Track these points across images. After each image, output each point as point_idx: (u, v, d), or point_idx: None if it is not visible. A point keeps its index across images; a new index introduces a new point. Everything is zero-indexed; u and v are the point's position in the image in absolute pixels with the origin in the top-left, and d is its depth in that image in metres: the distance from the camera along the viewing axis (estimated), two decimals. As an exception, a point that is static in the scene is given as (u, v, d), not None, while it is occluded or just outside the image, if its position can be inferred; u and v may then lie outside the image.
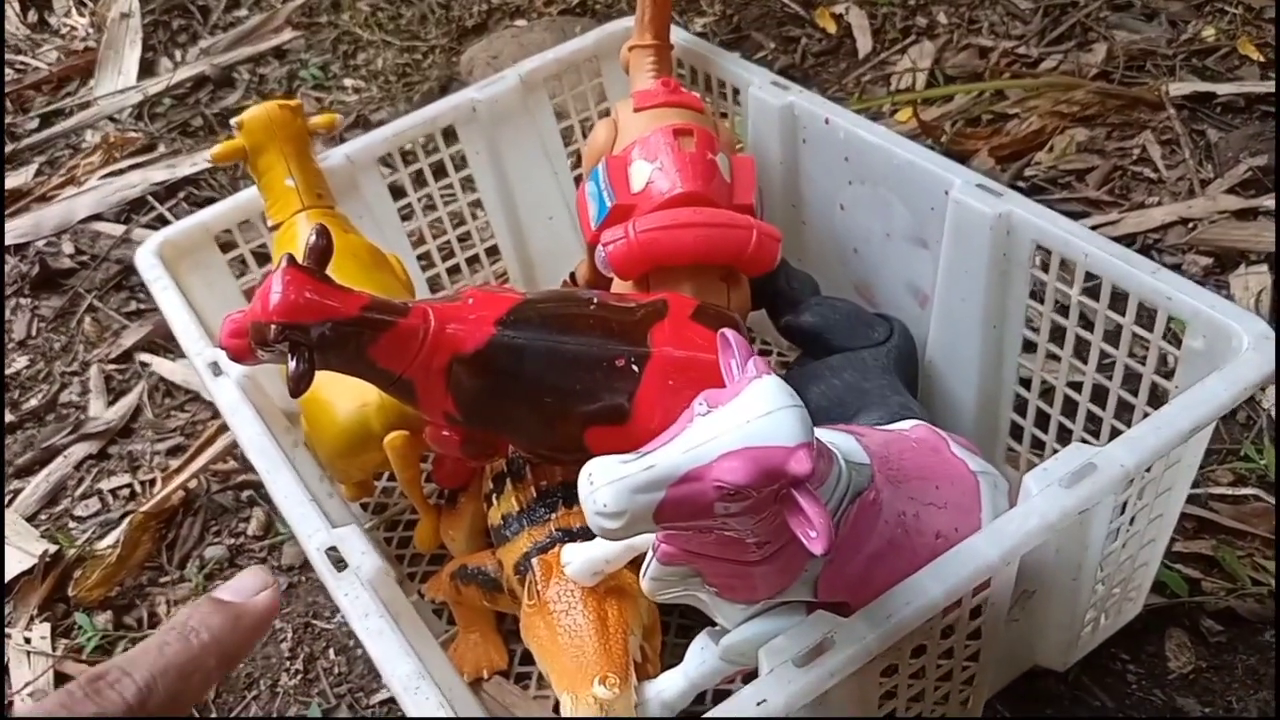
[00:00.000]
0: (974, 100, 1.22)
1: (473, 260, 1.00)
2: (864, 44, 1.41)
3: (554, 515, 0.66)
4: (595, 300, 0.64)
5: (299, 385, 0.56)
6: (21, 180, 1.42)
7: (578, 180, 1.02)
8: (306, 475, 0.71)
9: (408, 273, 0.86)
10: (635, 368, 0.61)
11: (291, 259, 0.58)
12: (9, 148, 1.50)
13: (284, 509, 0.59)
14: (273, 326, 0.56)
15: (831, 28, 1.47)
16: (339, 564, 0.53)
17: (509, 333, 0.61)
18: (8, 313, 1.23)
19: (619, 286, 0.76)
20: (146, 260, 0.81)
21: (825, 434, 0.48)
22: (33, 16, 1.83)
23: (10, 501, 0.97)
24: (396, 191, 0.94)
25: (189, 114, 1.51)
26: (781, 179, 0.86)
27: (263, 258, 0.89)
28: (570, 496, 0.66)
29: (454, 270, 0.99)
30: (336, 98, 1.49)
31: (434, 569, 0.79)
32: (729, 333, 0.45)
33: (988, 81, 1.26)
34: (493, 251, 1.01)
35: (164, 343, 1.13)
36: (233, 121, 0.80)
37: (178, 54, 1.67)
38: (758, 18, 1.51)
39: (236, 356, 0.60)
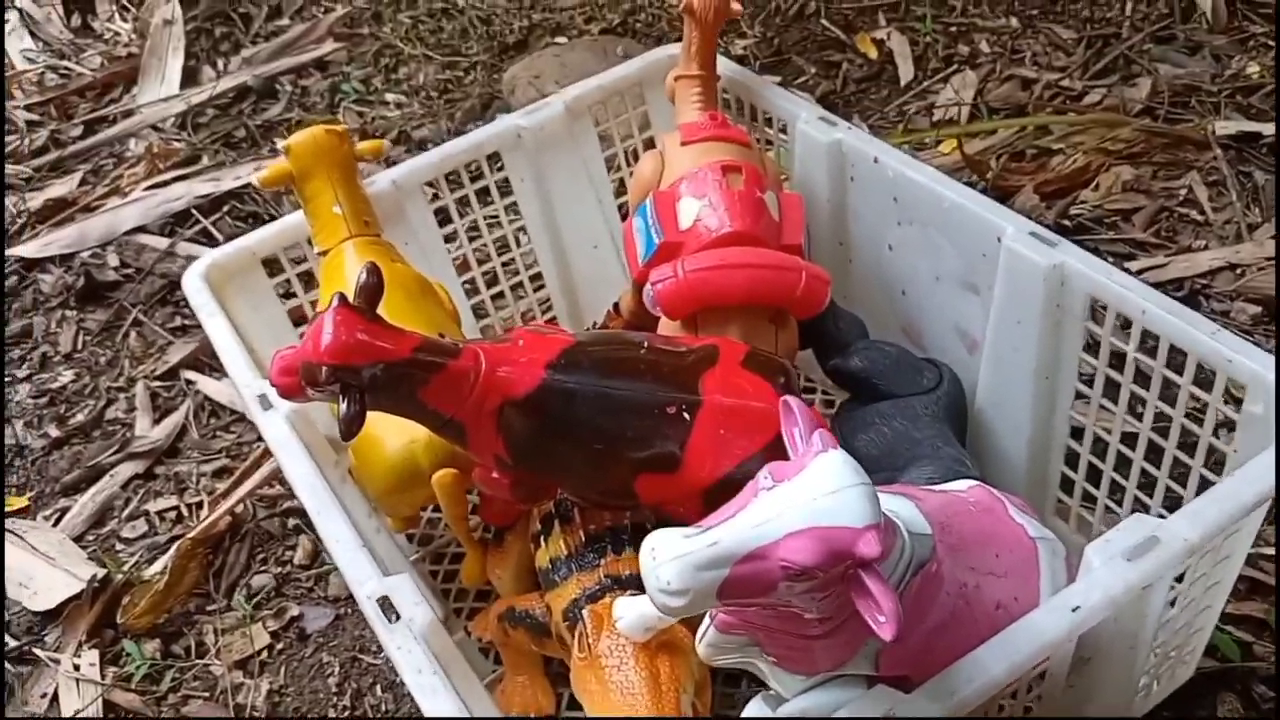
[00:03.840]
0: (1017, 134, 1.21)
1: (516, 287, 1.00)
2: (906, 71, 1.40)
3: (603, 561, 0.66)
4: (646, 344, 0.64)
5: (351, 427, 0.56)
6: (66, 190, 1.44)
7: (622, 208, 1.02)
8: (354, 510, 0.72)
9: (454, 301, 0.87)
10: (686, 415, 0.61)
11: (343, 298, 0.58)
12: (54, 155, 1.52)
13: (334, 553, 0.59)
14: (324, 368, 0.56)
15: (873, 53, 1.46)
16: (391, 614, 0.53)
17: (560, 376, 0.61)
18: (53, 324, 1.25)
19: (665, 324, 0.76)
20: (193, 284, 0.82)
21: (886, 499, 0.48)
22: (76, 20, 1.85)
23: (57, 521, 0.98)
24: (439, 214, 0.93)
25: (232, 125, 1.52)
26: (829, 215, 0.86)
27: (307, 276, 0.89)
28: (619, 542, 0.66)
29: (498, 297, 0.99)
30: (379, 113, 1.50)
31: (480, 605, 0.79)
32: (793, 401, 0.45)
33: (1031, 116, 1.25)
34: (536, 278, 1.01)
35: (209, 360, 1.14)
36: (280, 145, 0.81)
37: (220, 62, 1.68)
38: (799, 41, 1.51)
39: (286, 394, 0.60)
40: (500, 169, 0.95)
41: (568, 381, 0.61)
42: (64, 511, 1.00)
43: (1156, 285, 1.01)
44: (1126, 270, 1.02)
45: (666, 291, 0.72)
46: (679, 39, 1.50)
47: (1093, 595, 0.47)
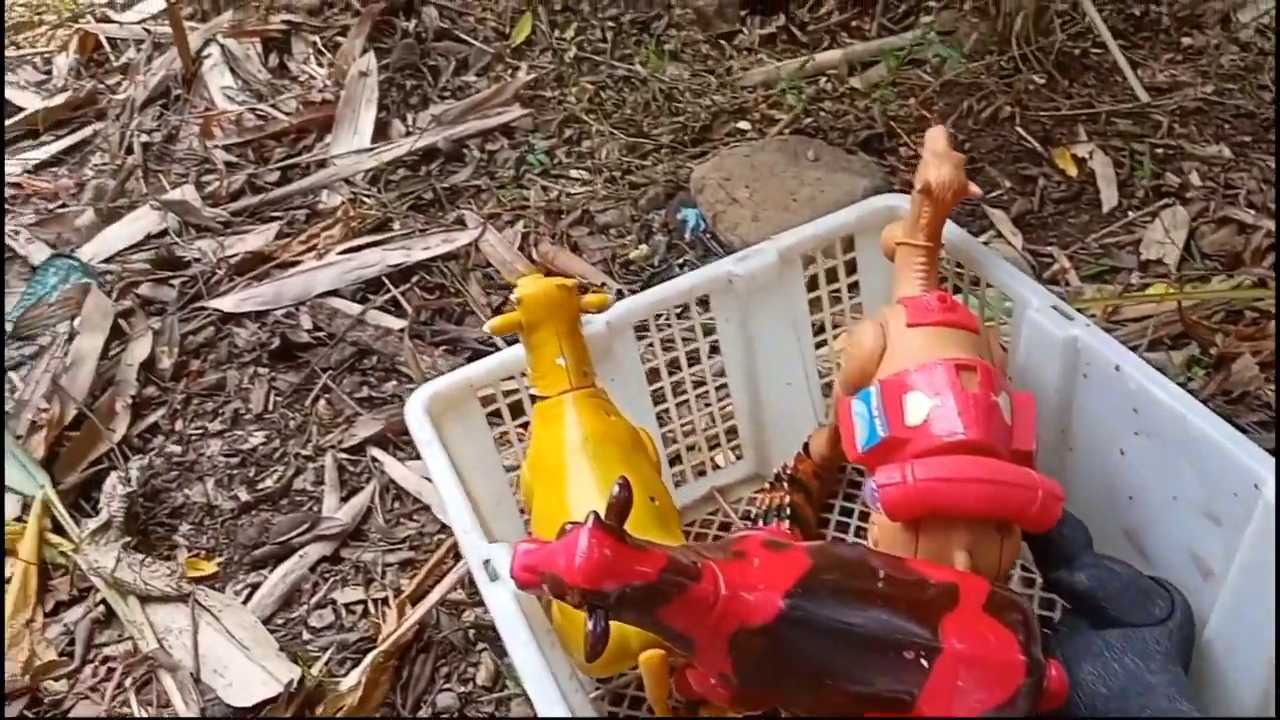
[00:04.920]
0: (1234, 288, 1.16)
1: (707, 419, 1.01)
2: (1109, 197, 1.35)
3: (812, 775, 0.66)
4: (883, 573, 0.64)
5: (596, 648, 0.57)
6: (262, 241, 1.50)
7: (819, 345, 1.02)
8: (559, 672, 0.73)
9: (658, 451, 0.88)
10: (924, 662, 0.61)
11: (598, 520, 0.59)
12: (254, 199, 1.59)
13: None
14: (575, 591, 0.57)
15: (1072, 170, 1.41)
16: None
17: (797, 608, 0.61)
18: (245, 380, 1.30)
19: (883, 521, 0.75)
20: (417, 418, 0.84)
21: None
22: (274, 60, 1.93)
23: (247, 598, 1.03)
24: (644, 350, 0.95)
25: (420, 186, 1.56)
26: (1054, 405, 0.83)
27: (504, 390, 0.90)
28: (828, 754, 0.66)
29: (687, 428, 1.00)
30: (563, 188, 1.52)
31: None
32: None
33: (1247, 273, 1.18)
34: (726, 407, 1.01)
35: (395, 439, 1.18)
36: (513, 296, 0.83)
37: (409, 116, 1.74)
38: (993, 149, 1.47)
39: (523, 587, 0.62)
40: (706, 308, 0.96)
41: (805, 615, 0.61)
42: (253, 588, 1.05)
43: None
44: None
45: (893, 497, 0.71)
46: (867, 137, 1.50)
47: None
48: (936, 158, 0.85)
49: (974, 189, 0.85)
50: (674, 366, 0.97)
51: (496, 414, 0.91)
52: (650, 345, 0.96)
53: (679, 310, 0.96)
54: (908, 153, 1.49)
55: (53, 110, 1.87)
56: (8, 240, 1.60)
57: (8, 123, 1.88)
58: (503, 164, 1.58)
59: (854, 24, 1.82)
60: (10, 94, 1.97)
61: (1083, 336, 0.80)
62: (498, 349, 1.24)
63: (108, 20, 2.11)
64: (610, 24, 1.87)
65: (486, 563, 0.72)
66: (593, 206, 1.47)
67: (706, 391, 1.00)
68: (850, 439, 0.79)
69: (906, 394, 0.76)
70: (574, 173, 1.55)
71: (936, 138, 0.87)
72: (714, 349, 0.99)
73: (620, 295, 1.29)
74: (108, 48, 2.02)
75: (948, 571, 0.67)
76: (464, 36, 1.86)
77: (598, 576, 0.57)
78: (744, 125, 1.61)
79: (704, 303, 0.96)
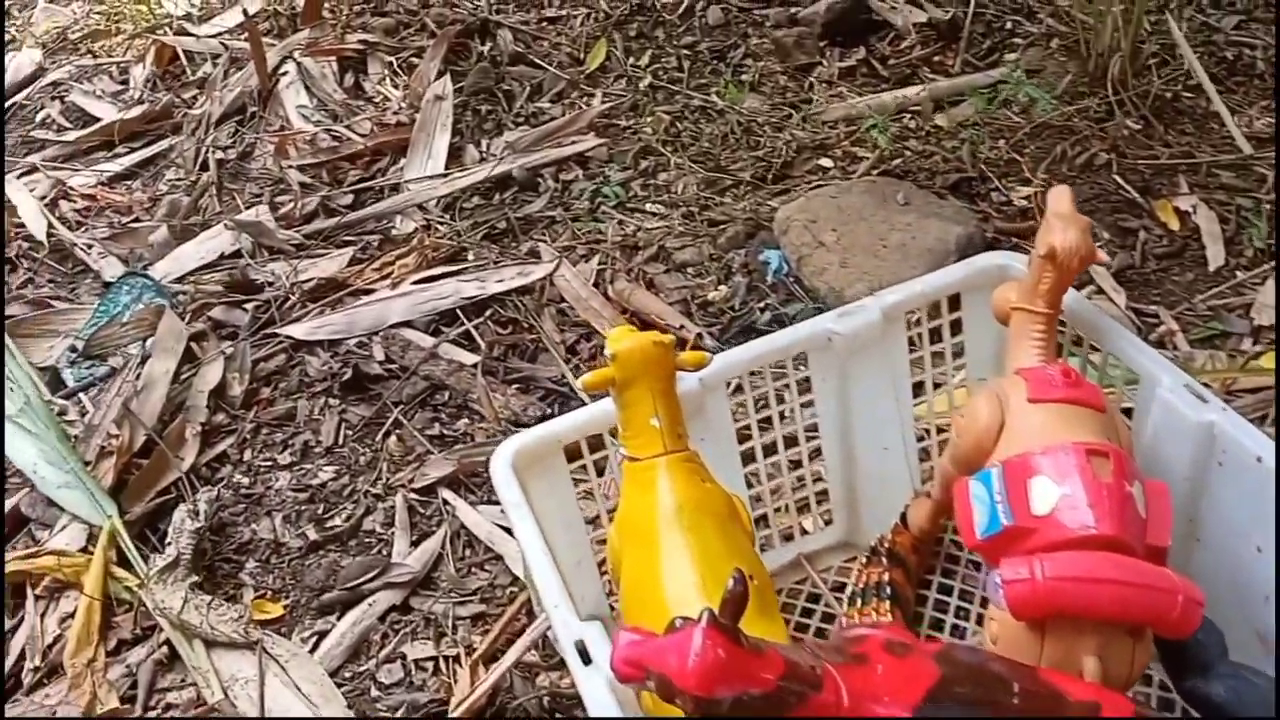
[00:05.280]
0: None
1: (798, 479, 0.96)
2: (1215, 254, 1.29)
3: None
4: (1017, 687, 0.59)
5: (710, 757, 0.53)
6: (336, 267, 1.48)
7: (918, 407, 0.97)
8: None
9: (751, 519, 0.83)
10: (1064, 791, 0.55)
11: (713, 618, 0.55)
12: (328, 222, 1.57)
13: None
14: (687, 697, 0.53)
15: (1174, 224, 1.35)
16: None
17: (928, 722, 0.56)
18: (316, 411, 1.28)
19: (1001, 615, 0.70)
20: (503, 476, 0.81)
21: None
22: (349, 80, 1.92)
23: (314, 646, 1.00)
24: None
25: (494, 215, 1.54)
26: (1182, 494, 0.78)
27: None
28: None
29: (776, 489, 0.96)
30: (639, 223, 1.48)
31: None
32: None
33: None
34: (817, 471, 0.97)
35: (467, 480, 1.15)
36: (608, 352, 0.79)
37: (484, 142, 1.71)
38: (1090, 199, 1.41)
39: (624, 680, 0.58)
40: (803, 366, 0.91)
41: (936, 731, 0.56)
42: (320, 635, 1.02)
43: None
44: None
45: (1020, 595, 0.66)
46: (958, 180, 1.45)
47: None
48: (1061, 220, 0.80)
49: (1102, 256, 0.80)
50: (765, 424, 0.93)
51: (579, 466, 0.88)
52: (740, 401, 0.92)
53: (773, 365, 0.92)
54: (999, 198, 1.44)
55: (128, 122, 1.87)
56: (79, 254, 1.61)
57: (84, 132, 1.90)
58: (578, 195, 1.55)
59: (936, 59, 1.77)
60: (85, 103, 1.99)
61: (1219, 422, 0.74)
62: (571, 390, 1.22)
63: (184, 33, 2.11)
64: (686, 52, 1.83)
65: (579, 645, 0.68)
66: (669, 243, 1.43)
67: (798, 452, 0.96)
68: (967, 523, 0.74)
69: (1032, 478, 0.71)
70: (650, 206, 1.52)
71: (1061, 198, 0.82)
72: (805, 406, 0.94)
73: (699, 339, 1.26)
74: (184, 61, 2.03)
75: (1086, 687, 0.62)
76: (539, 61, 1.84)
77: (712, 682, 0.53)
78: (826, 162, 1.56)
79: (799, 358, 0.92)
